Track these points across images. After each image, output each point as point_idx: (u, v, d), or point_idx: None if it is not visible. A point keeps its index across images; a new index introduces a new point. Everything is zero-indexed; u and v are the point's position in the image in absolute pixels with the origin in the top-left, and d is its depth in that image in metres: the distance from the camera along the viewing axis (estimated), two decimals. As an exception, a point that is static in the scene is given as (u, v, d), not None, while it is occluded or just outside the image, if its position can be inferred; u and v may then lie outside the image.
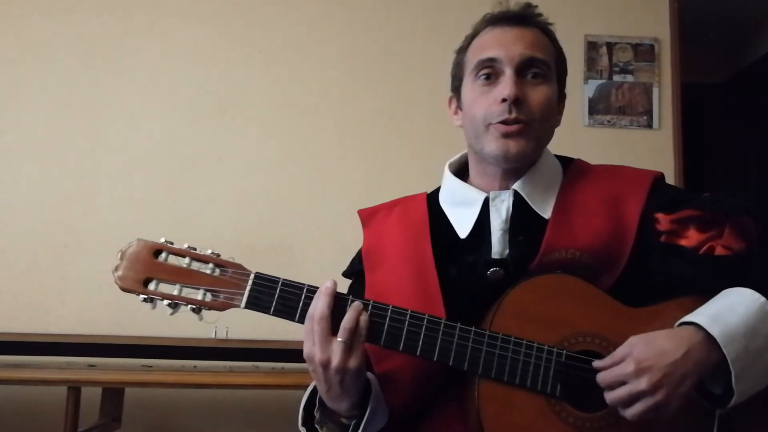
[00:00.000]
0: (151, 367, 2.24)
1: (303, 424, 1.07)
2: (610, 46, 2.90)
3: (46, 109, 2.70)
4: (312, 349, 0.97)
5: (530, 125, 1.09)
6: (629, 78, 2.89)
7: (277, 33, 2.82)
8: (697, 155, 3.75)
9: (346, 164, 2.77)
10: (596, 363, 0.98)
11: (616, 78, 2.89)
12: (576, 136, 2.77)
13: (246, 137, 2.76)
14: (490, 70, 1.11)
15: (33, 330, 2.49)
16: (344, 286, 1.25)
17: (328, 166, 2.76)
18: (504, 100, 1.08)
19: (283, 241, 2.70)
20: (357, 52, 2.84)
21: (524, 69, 1.10)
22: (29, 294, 2.57)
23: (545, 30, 1.16)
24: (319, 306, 0.97)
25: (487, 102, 1.10)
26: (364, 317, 0.98)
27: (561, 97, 1.19)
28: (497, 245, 1.10)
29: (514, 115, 1.08)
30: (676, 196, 1.13)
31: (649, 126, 2.86)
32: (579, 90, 2.86)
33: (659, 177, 1.17)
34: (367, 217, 1.26)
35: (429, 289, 1.09)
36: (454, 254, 1.12)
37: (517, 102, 1.07)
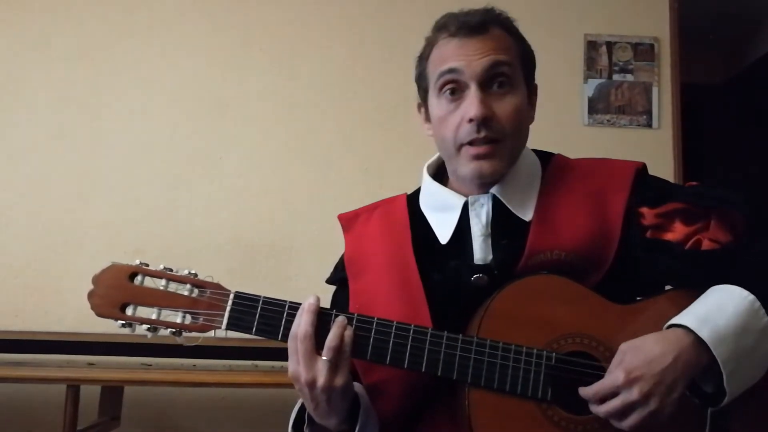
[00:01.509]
0: (150, 365, 2.23)
1: None
2: (610, 45, 2.89)
3: (46, 107, 2.71)
4: (297, 368, 0.96)
5: (502, 142, 1.05)
6: (629, 77, 2.89)
7: (277, 33, 2.82)
8: (697, 155, 3.74)
9: (346, 164, 2.77)
10: (586, 390, 0.96)
11: (616, 77, 2.89)
12: (575, 136, 2.77)
13: (246, 137, 2.76)
14: (454, 85, 1.06)
15: (32, 328, 2.50)
16: (329, 292, 1.24)
17: (328, 165, 2.76)
18: (471, 120, 1.03)
19: (283, 241, 2.70)
20: (357, 51, 2.84)
21: (489, 81, 1.04)
22: (29, 292, 2.58)
23: (508, 28, 1.09)
24: (302, 324, 0.95)
25: (455, 122, 1.06)
26: (348, 333, 0.95)
27: (531, 91, 1.13)
28: (479, 251, 1.08)
29: (483, 134, 1.03)
30: (660, 188, 1.11)
31: (649, 125, 2.86)
32: (579, 89, 2.86)
33: (641, 168, 1.14)
34: (348, 221, 1.22)
35: (414, 296, 1.07)
36: (436, 259, 1.10)
37: (485, 121, 1.03)
